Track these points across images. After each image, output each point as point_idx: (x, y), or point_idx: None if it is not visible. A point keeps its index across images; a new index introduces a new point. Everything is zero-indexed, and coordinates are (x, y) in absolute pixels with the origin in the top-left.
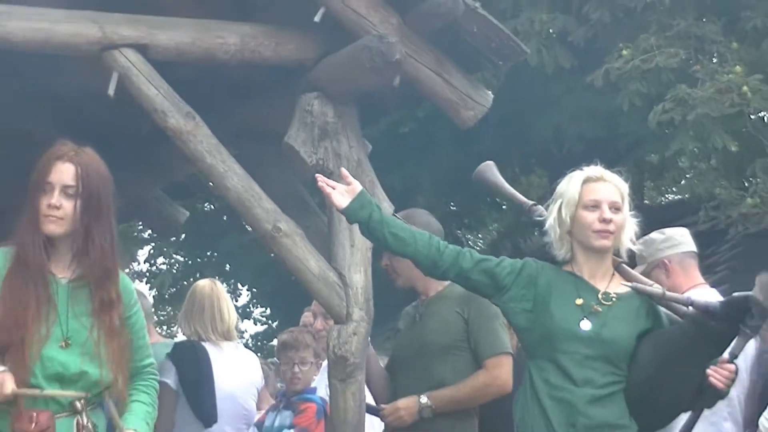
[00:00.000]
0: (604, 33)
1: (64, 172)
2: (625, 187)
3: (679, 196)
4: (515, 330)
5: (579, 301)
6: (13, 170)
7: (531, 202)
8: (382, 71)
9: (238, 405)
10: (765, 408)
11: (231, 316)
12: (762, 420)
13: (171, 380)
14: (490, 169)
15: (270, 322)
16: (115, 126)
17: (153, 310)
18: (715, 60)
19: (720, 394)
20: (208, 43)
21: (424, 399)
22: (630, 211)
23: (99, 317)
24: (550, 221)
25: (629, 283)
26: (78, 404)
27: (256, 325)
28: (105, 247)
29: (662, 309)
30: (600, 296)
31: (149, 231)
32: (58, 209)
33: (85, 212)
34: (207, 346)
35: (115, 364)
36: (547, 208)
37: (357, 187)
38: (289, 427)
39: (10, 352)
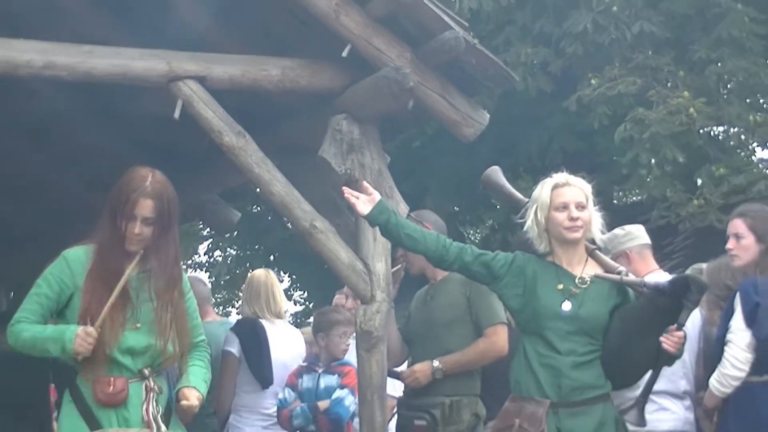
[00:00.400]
0: (577, 64)
1: (146, 207)
2: (588, 188)
3: (639, 198)
4: (509, 311)
5: (560, 286)
6: (95, 177)
7: (526, 200)
8: (398, 96)
9: (286, 371)
10: (712, 371)
11: (281, 298)
12: (711, 380)
13: (234, 350)
14: (495, 173)
15: (307, 303)
16: (180, 143)
17: (210, 294)
18: (668, 85)
19: (674, 357)
20: (255, 75)
21: (436, 363)
22: (595, 207)
23: (161, 304)
24: (529, 223)
25: (597, 273)
26: (146, 371)
27: (295, 305)
28: (169, 253)
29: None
30: (577, 281)
31: (208, 229)
32: (140, 235)
33: (157, 233)
34: (264, 323)
35: (175, 339)
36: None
37: (376, 196)
38: (341, 388)
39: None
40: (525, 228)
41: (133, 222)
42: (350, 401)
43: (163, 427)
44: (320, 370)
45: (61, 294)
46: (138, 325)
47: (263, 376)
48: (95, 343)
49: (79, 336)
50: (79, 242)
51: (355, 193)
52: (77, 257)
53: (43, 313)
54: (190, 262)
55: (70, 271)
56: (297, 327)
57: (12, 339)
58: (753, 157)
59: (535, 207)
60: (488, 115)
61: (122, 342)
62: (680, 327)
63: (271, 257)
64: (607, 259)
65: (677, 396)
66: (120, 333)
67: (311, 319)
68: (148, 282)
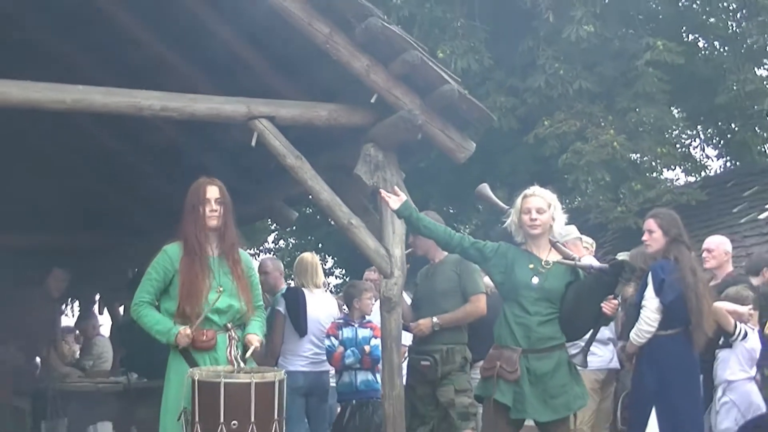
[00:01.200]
0: (535, 110)
1: (214, 191)
2: (551, 198)
3: (579, 205)
4: (494, 283)
5: (531, 266)
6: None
7: (506, 207)
8: (411, 131)
9: (320, 325)
10: (631, 328)
11: (321, 274)
12: (631, 334)
13: (282, 309)
14: (485, 187)
15: (345, 277)
16: (256, 164)
17: (283, 269)
18: (600, 126)
19: (610, 318)
20: (309, 115)
21: (435, 319)
22: (563, 217)
23: (234, 273)
24: (508, 222)
25: (560, 259)
26: (228, 325)
27: (336, 279)
28: (232, 234)
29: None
30: (543, 263)
31: (274, 224)
32: (216, 211)
33: (224, 213)
34: (305, 291)
35: (245, 301)
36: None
37: (403, 197)
38: (375, 338)
39: (191, 300)
40: (506, 224)
41: (208, 204)
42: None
43: (242, 364)
44: (356, 324)
45: (165, 277)
46: (221, 289)
47: (300, 328)
48: (190, 339)
49: (180, 334)
50: (173, 239)
51: (388, 194)
52: (174, 250)
53: (155, 293)
54: (261, 248)
55: (170, 260)
56: (337, 295)
57: (135, 316)
58: (660, 177)
59: (513, 211)
60: (474, 144)
61: (211, 304)
62: (615, 297)
63: (319, 245)
64: (565, 249)
65: (603, 342)
66: (208, 296)
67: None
68: (223, 260)
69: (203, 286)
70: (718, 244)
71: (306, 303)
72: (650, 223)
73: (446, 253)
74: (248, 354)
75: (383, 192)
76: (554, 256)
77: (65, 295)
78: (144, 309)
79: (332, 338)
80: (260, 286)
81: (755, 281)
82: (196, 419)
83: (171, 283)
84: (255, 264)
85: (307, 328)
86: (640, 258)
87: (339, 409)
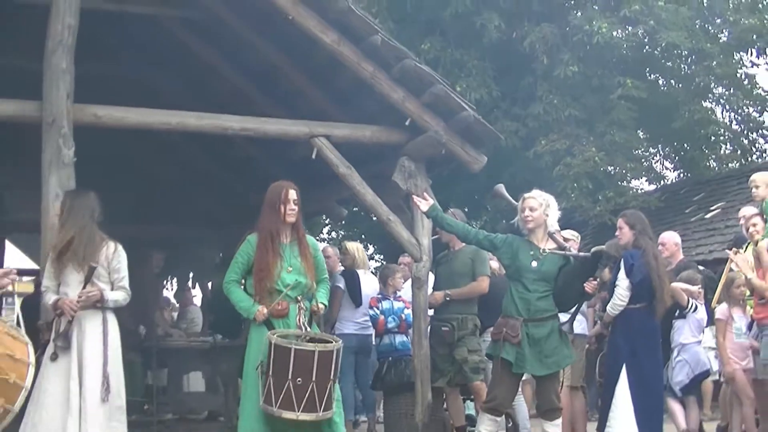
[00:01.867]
0: (534, 132)
1: (293, 194)
2: (543, 199)
3: (567, 206)
4: (503, 266)
5: (531, 253)
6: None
7: (516, 203)
8: (436, 147)
9: (368, 298)
10: (607, 304)
11: (365, 257)
12: (608, 308)
13: (341, 285)
14: (501, 188)
15: (383, 262)
16: (316, 172)
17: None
18: (584, 144)
19: (591, 295)
20: (357, 135)
21: (447, 292)
22: (556, 213)
23: (303, 255)
24: (517, 218)
25: (554, 248)
26: (298, 297)
27: (376, 263)
28: (301, 227)
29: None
30: (541, 251)
31: (328, 219)
32: (294, 210)
33: (298, 210)
34: (358, 271)
35: (311, 277)
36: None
37: (431, 201)
38: (407, 309)
39: (266, 277)
40: (514, 221)
41: (288, 203)
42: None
43: (308, 328)
44: (392, 298)
45: (248, 260)
46: (290, 269)
47: (356, 300)
48: (266, 315)
49: (258, 312)
50: (251, 230)
51: (419, 198)
52: (254, 239)
53: (241, 273)
54: (317, 238)
55: (252, 246)
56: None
57: (225, 291)
58: (629, 185)
59: (519, 208)
60: (486, 158)
61: (282, 280)
62: (595, 278)
63: (363, 236)
64: (560, 239)
65: (584, 314)
66: (279, 275)
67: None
68: (294, 245)
69: (274, 266)
70: (669, 238)
71: (360, 281)
72: (621, 221)
73: (463, 244)
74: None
75: (415, 198)
76: (551, 245)
77: (165, 273)
78: (232, 287)
79: (375, 309)
80: (324, 263)
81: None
82: (270, 373)
83: (254, 265)
84: (320, 247)
85: (362, 300)
86: (614, 248)
87: (378, 365)
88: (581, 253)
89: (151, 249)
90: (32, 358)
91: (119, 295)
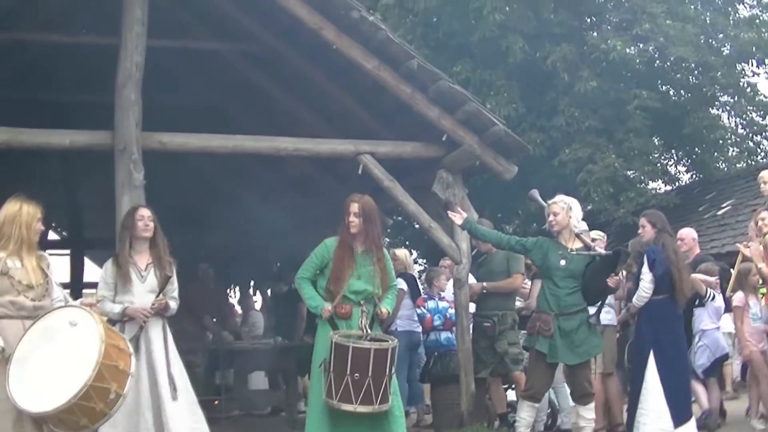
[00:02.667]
0: (558, 142)
1: (354, 207)
2: (564, 202)
3: (591, 208)
4: (535, 265)
5: (560, 253)
6: (326, 202)
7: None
8: (471, 160)
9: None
10: (632, 295)
11: (410, 262)
12: (633, 299)
13: (404, 287)
14: (535, 192)
15: (426, 265)
16: (362, 185)
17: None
18: (604, 152)
19: (614, 289)
20: (399, 151)
21: (484, 284)
22: (579, 213)
23: (374, 264)
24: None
25: (580, 248)
26: (361, 302)
27: (420, 266)
28: (372, 235)
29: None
30: (569, 250)
31: None
32: (354, 222)
33: (363, 222)
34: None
35: (378, 284)
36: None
37: (465, 215)
38: (449, 308)
39: (336, 282)
40: (546, 225)
41: (348, 215)
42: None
43: (369, 330)
44: (436, 298)
45: (322, 261)
46: (359, 277)
47: (415, 300)
48: (332, 312)
49: (324, 309)
50: (331, 235)
51: (453, 213)
52: (331, 243)
53: (313, 272)
54: None
55: (327, 250)
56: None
57: (296, 286)
58: (647, 188)
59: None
60: (516, 168)
61: (350, 286)
62: (617, 274)
63: (407, 242)
64: (586, 239)
65: (611, 306)
66: (348, 282)
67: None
68: (366, 254)
69: (346, 273)
70: (687, 234)
71: (418, 283)
72: (643, 220)
73: None
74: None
75: (450, 213)
76: (578, 245)
77: (228, 281)
78: (304, 283)
79: (422, 309)
80: (393, 270)
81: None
82: (331, 369)
83: (326, 267)
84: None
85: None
86: (637, 245)
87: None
88: (604, 252)
89: (211, 259)
90: (132, 350)
91: (174, 305)
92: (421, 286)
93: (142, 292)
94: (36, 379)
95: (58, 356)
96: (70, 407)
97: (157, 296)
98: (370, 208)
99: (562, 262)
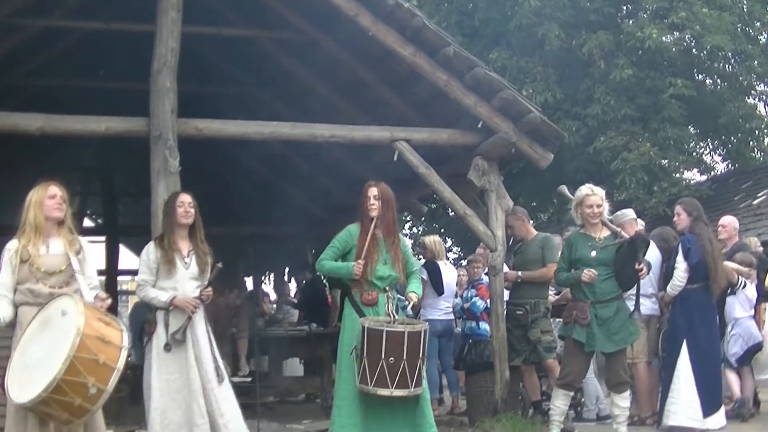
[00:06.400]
0: (593, 130)
1: (373, 191)
2: (602, 194)
3: (625, 197)
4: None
5: (589, 244)
6: (358, 189)
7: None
8: (507, 147)
9: (451, 288)
10: (667, 283)
11: (442, 249)
12: (668, 288)
13: (424, 276)
14: (564, 187)
15: (461, 253)
16: (397, 173)
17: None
18: (639, 141)
19: (643, 276)
20: (435, 138)
21: (519, 273)
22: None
23: (393, 249)
24: (572, 211)
25: (609, 236)
26: (387, 288)
27: (453, 254)
28: (390, 221)
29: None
30: (597, 241)
31: (410, 215)
32: (374, 205)
33: (382, 206)
34: (438, 262)
35: (401, 270)
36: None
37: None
38: (474, 296)
39: (365, 268)
40: (569, 215)
41: (368, 200)
42: (480, 303)
43: (395, 315)
44: (470, 286)
45: (345, 247)
46: (385, 261)
47: (438, 289)
48: (362, 269)
49: (355, 265)
50: (352, 222)
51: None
52: (354, 228)
53: (334, 257)
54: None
55: (351, 235)
56: (454, 265)
57: (319, 267)
58: (682, 177)
59: (575, 202)
60: (552, 155)
61: (376, 272)
62: (640, 263)
63: (442, 230)
64: (612, 225)
65: (647, 296)
66: (375, 267)
67: (463, 261)
68: (382, 239)
69: (374, 258)
70: (730, 222)
71: (441, 272)
72: (679, 208)
73: (535, 233)
74: (409, 307)
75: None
76: (605, 233)
77: (264, 268)
78: (326, 261)
79: (458, 299)
80: (413, 256)
81: None
82: (364, 355)
83: (348, 253)
84: (408, 242)
85: (443, 289)
86: (670, 235)
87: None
88: (630, 238)
89: (247, 245)
90: (126, 343)
91: (211, 294)
92: (455, 274)
93: (186, 278)
94: (27, 369)
95: (48, 347)
96: (45, 400)
97: (207, 286)
98: (387, 193)
99: (593, 253)
